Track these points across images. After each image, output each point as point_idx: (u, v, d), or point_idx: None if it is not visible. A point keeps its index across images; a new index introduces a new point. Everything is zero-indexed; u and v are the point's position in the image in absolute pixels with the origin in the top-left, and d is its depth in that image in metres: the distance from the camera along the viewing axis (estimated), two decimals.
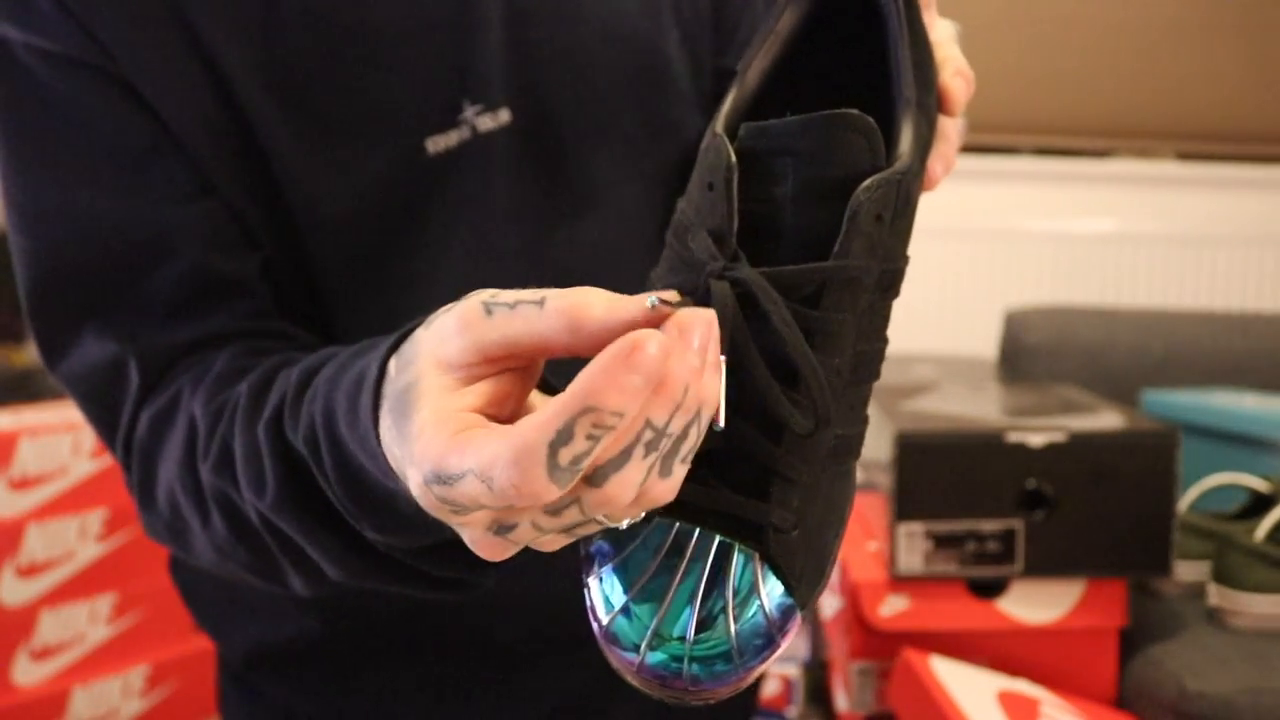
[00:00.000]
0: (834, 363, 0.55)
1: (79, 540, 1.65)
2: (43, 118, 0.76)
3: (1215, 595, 1.37)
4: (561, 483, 0.44)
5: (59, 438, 1.63)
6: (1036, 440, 1.32)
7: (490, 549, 0.49)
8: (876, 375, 0.59)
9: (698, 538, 0.54)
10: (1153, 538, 1.33)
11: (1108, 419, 1.40)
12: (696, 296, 0.53)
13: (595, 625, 0.54)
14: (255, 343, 0.78)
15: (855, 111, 0.55)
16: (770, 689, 1.82)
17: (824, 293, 0.54)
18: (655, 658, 0.52)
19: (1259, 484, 1.46)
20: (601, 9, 0.86)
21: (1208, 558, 1.40)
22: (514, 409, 0.51)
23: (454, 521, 0.49)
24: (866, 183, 0.54)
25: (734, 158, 0.55)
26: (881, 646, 1.37)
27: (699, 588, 0.53)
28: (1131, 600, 1.37)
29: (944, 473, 1.33)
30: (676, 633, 0.52)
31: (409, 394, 0.50)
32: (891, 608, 1.35)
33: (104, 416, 0.79)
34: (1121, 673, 1.37)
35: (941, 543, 1.33)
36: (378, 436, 0.54)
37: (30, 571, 1.60)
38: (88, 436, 1.65)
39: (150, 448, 0.76)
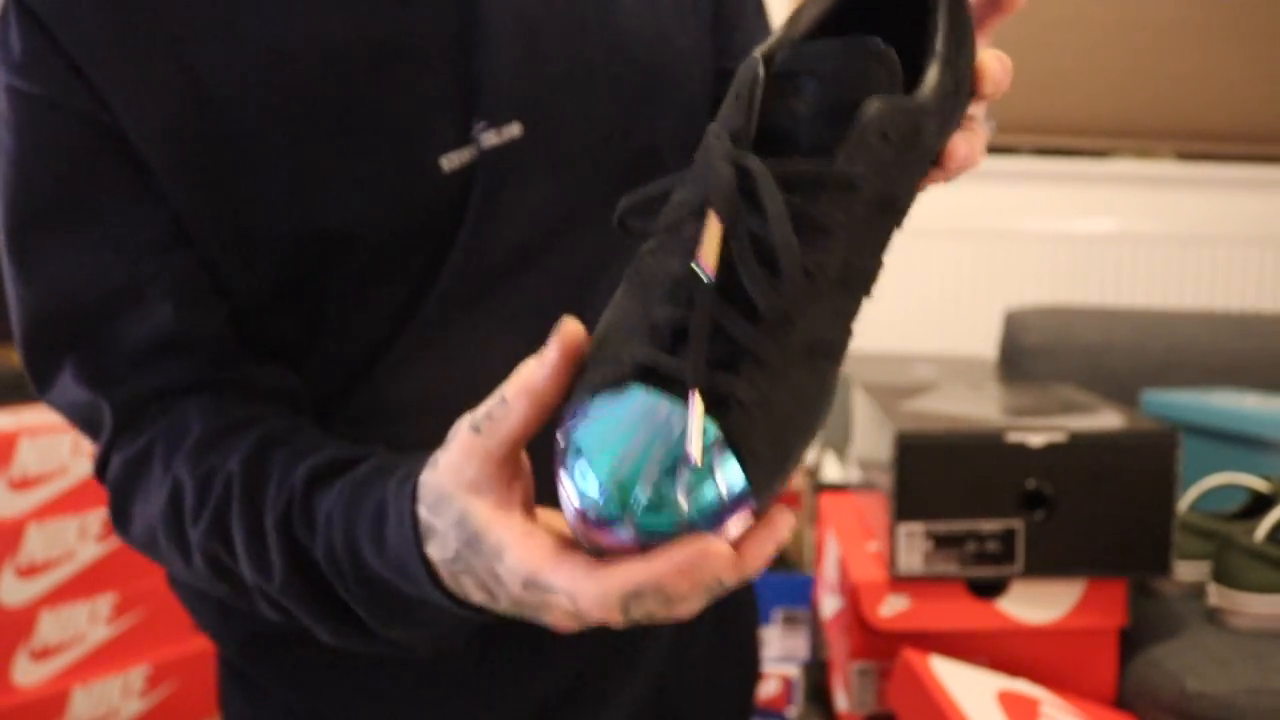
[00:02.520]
0: (820, 259, 0.57)
1: (79, 540, 1.65)
2: (26, 164, 0.77)
3: (1215, 595, 1.37)
4: (628, 619, 0.56)
5: (59, 438, 1.63)
6: (1036, 440, 1.32)
7: (564, 624, 0.60)
8: (868, 292, 0.61)
9: (668, 411, 0.55)
10: (1153, 538, 1.33)
11: (1108, 419, 1.40)
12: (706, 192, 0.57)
13: (563, 494, 0.57)
14: (223, 397, 0.80)
15: (879, 40, 0.58)
16: (770, 689, 1.82)
17: (820, 192, 0.57)
18: (616, 530, 0.55)
19: (1259, 484, 1.46)
20: (607, 21, 0.87)
21: (1208, 558, 1.40)
22: (526, 491, 0.61)
23: (530, 612, 0.60)
24: (878, 99, 0.57)
25: (762, 71, 0.58)
26: (881, 646, 1.37)
27: (659, 462, 0.55)
28: (1131, 600, 1.37)
29: (944, 473, 1.33)
30: (631, 504, 0.55)
31: (468, 522, 0.60)
32: (891, 608, 1.35)
33: (90, 439, 0.84)
34: (1121, 673, 1.37)
35: (941, 543, 1.33)
36: (423, 560, 0.63)
37: (30, 571, 1.60)
38: None
39: (125, 489, 0.80)
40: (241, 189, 0.78)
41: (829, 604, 1.59)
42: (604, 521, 0.55)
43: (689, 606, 0.57)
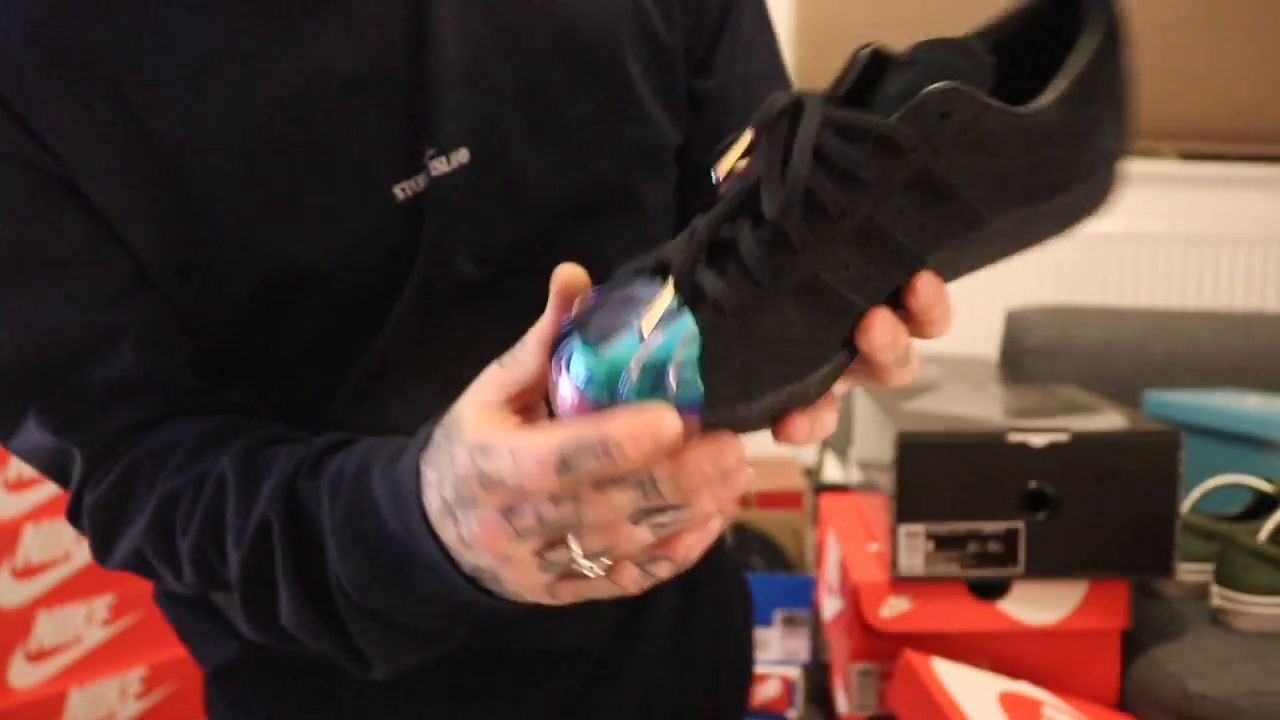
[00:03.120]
0: (842, 201, 0.57)
1: (76, 541, 1.64)
2: None
3: (1218, 596, 1.36)
4: (563, 477, 0.55)
5: None
6: (1038, 441, 1.32)
7: (494, 530, 0.59)
8: (895, 267, 0.60)
9: (648, 294, 0.57)
10: (1155, 539, 1.32)
11: (1110, 419, 1.39)
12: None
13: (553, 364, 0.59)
14: (199, 417, 0.80)
15: (976, 41, 0.61)
16: (771, 690, 1.82)
17: (861, 140, 0.57)
18: (588, 400, 0.56)
19: (1262, 485, 1.45)
20: (562, 40, 0.86)
21: (1210, 559, 1.40)
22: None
23: (475, 499, 0.58)
24: (947, 82, 0.58)
25: (867, 50, 0.60)
26: (882, 648, 1.37)
27: (624, 337, 0.56)
28: (1134, 601, 1.36)
29: (945, 473, 1.32)
30: (598, 377, 0.56)
31: (451, 416, 0.61)
32: (893, 609, 1.35)
33: (59, 483, 0.84)
34: (1124, 674, 1.36)
35: (943, 544, 1.33)
36: (418, 490, 0.64)
37: (27, 573, 1.60)
38: None
39: (107, 519, 0.79)
40: (200, 232, 0.77)
41: (830, 605, 1.58)
42: (578, 395, 0.56)
43: (623, 499, 0.56)
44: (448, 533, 0.62)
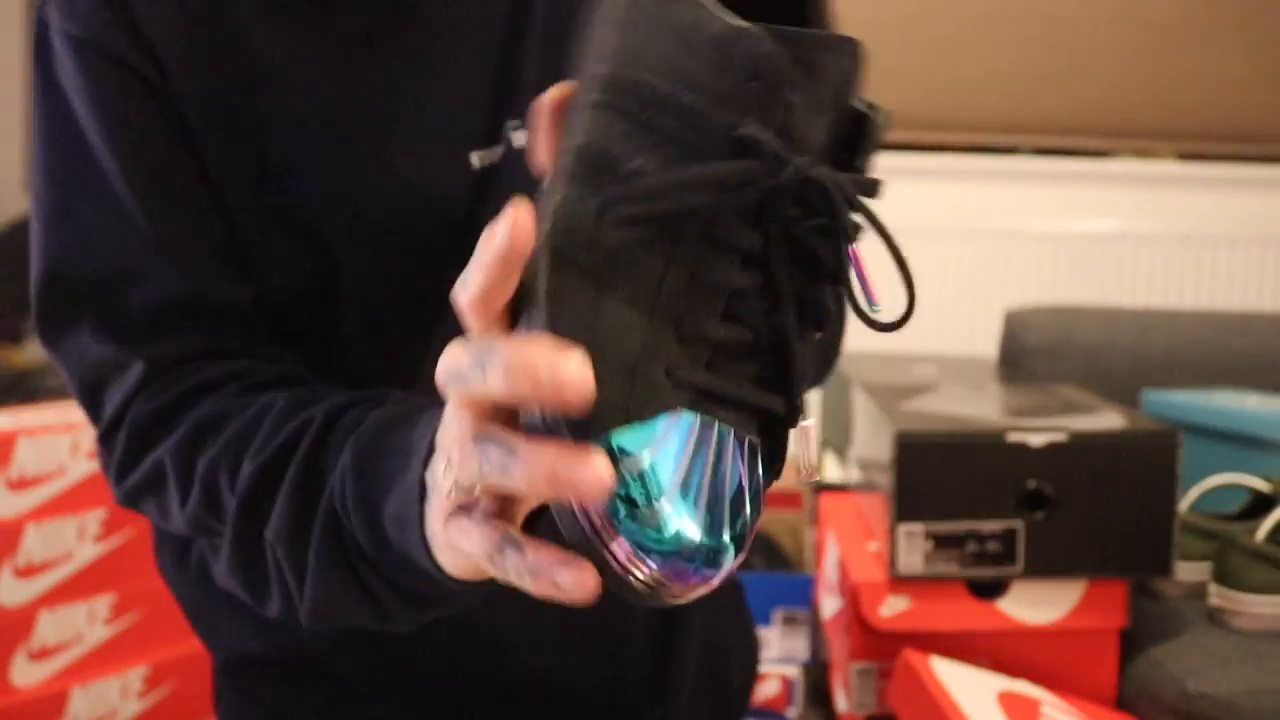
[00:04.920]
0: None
1: (77, 541, 1.64)
2: (67, 111, 0.77)
3: (1216, 596, 1.37)
4: (469, 461, 0.51)
5: (57, 438, 1.62)
6: (1037, 440, 1.32)
7: (465, 448, 0.52)
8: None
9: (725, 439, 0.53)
10: (1153, 538, 1.32)
11: (1108, 419, 1.40)
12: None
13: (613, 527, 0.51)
14: (262, 364, 0.79)
15: (854, 39, 0.56)
16: (770, 690, 1.82)
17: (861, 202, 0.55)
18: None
19: (1260, 484, 1.45)
20: None
21: (1209, 558, 1.40)
22: None
23: (451, 397, 0.52)
24: (884, 110, 0.56)
25: (774, 50, 0.52)
26: (882, 647, 1.37)
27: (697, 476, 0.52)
28: (1132, 601, 1.37)
29: (944, 473, 1.32)
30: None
31: None
32: (892, 608, 1.35)
33: (94, 396, 0.81)
34: (1122, 674, 1.37)
35: (942, 543, 1.33)
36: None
37: (28, 572, 1.60)
38: (86, 436, 1.65)
39: (149, 426, 0.77)
40: (286, 181, 0.78)
41: (829, 604, 1.58)
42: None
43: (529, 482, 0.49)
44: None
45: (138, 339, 0.78)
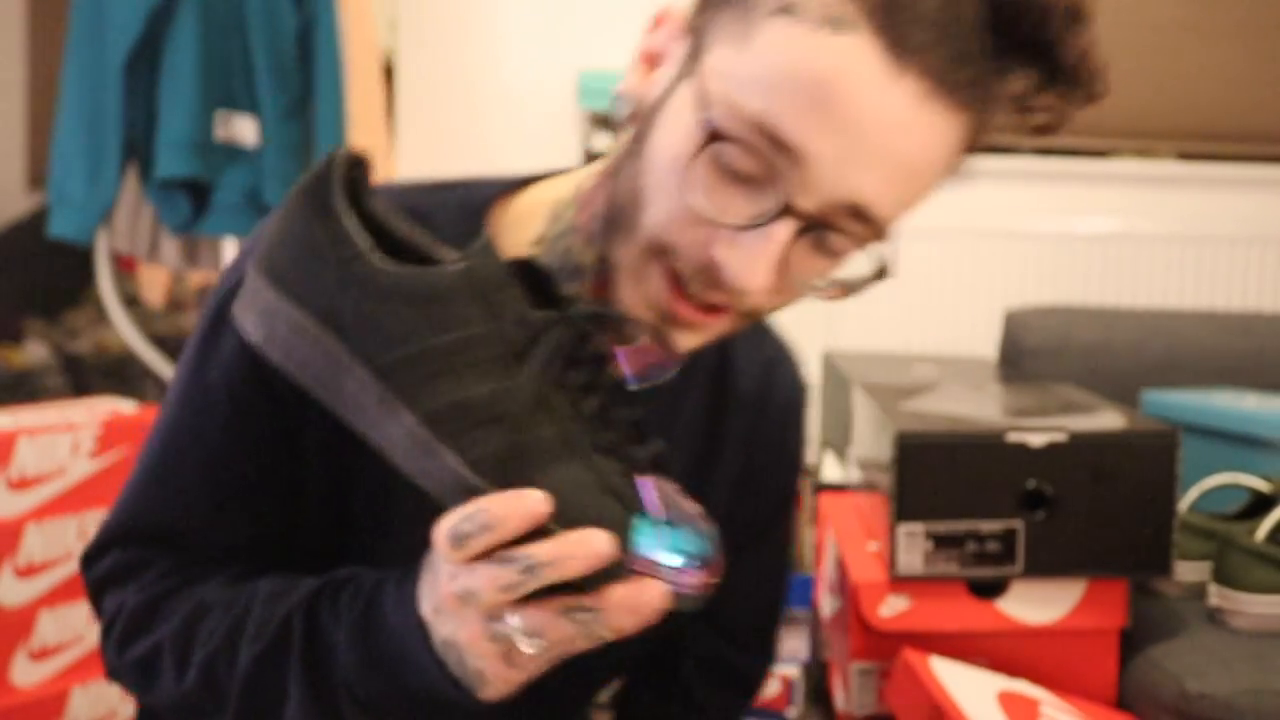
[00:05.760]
0: None
1: (78, 541, 1.64)
2: (195, 414, 0.89)
3: (1216, 596, 1.36)
4: (457, 547, 0.69)
5: (58, 438, 1.62)
6: (1037, 440, 1.32)
7: (444, 594, 0.72)
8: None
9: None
10: (1153, 538, 1.32)
11: (1108, 419, 1.39)
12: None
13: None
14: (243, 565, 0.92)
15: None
16: (770, 690, 1.82)
17: None
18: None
19: (1260, 484, 1.45)
20: None
21: (1208, 558, 1.40)
22: None
23: (452, 561, 0.71)
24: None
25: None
26: (881, 647, 1.37)
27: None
28: (1132, 601, 1.37)
29: (944, 473, 1.32)
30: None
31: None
32: (891, 608, 1.35)
33: (112, 589, 0.92)
34: (1122, 673, 1.36)
35: (941, 543, 1.33)
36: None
37: (29, 572, 1.60)
38: (87, 437, 1.65)
39: (146, 615, 0.88)
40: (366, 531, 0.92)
41: (829, 604, 1.58)
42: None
43: (505, 573, 0.68)
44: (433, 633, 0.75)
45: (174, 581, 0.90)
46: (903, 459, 1.32)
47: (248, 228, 2.35)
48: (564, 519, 0.69)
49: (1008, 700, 1.24)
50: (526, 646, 0.71)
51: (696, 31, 0.78)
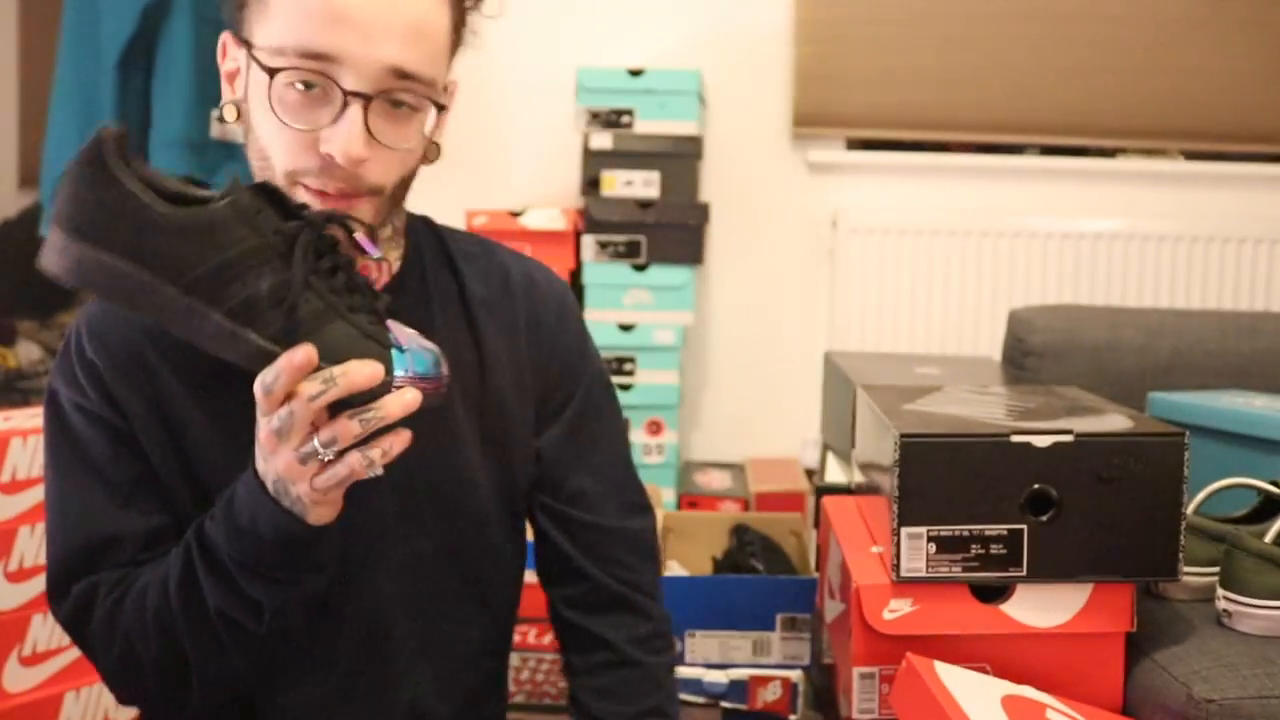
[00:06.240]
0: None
1: None
2: (69, 449, 1.13)
3: (1223, 599, 1.35)
4: (268, 392, 0.95)
5: None
6: (1042, 442, 1.31)
7: (263, 437, 0.98)
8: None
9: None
10: (1160, 541, 1.31)
11: (1115, 420, 1.38)
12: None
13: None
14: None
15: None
16: (772, 693, 1.81)
17: None
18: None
19: (1268, 486, 1.44)
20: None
21: (1216, 562, 1.39)
22: None
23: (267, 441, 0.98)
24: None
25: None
26: (885, 651, 1.36)
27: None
28: (1138, 604, 1.35)
29: (948, 475, 1.31)
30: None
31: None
32: (895, 612, 1.34)
33: (82, 618, 1.13)
34: (1128, 678, 1.35)
35: (945, 546, 1.32)
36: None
37: (20, 576, 1.59)
38: None
39: (110, 621, 1.11)
40: (196, 477, 1.15)
41: (832, 608, 1.57)
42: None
43: (310, 387, 0.94)
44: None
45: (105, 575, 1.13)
46: (905, 461, 1.31)
47: None
48: (342, 361, 0.94)
49: (1012, 705, 1.23)
50: (328, 455, 0.95)
51: (242, 38, 1.08)
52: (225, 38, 1.12)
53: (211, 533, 1.05)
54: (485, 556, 1.25)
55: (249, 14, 1.08)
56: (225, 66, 1.12)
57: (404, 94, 1.06)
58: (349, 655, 1.18)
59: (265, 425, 0.96)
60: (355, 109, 1.03)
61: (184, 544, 1.07)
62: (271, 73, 1.03)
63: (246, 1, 1.08)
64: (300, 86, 1.03)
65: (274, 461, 0.97)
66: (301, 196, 1.05)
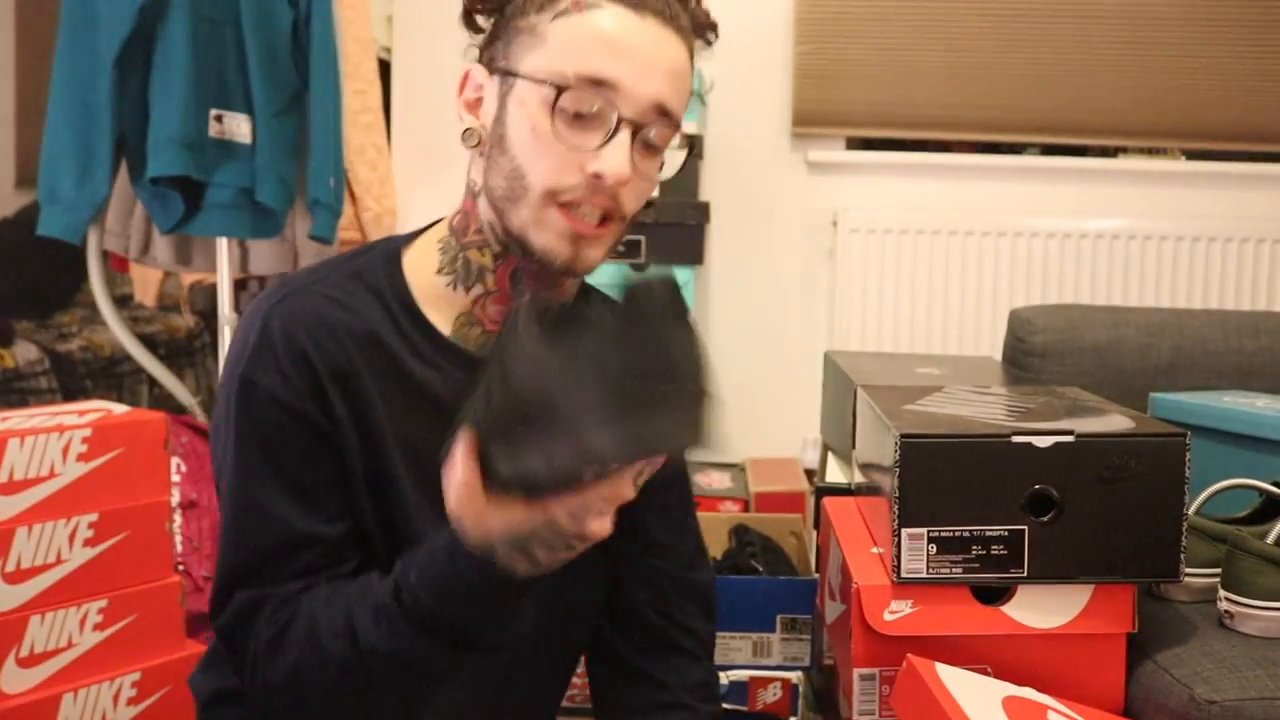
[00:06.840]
0: None
1: (68, 545, 1.63)
2: (260, 443, 1.12)
3: (1225, 600, 1.35)
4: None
5: (48, 440, 1.61)
6: (1043, 442, 1.30)
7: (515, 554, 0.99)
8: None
9: None
10: (1162, 542, 1.31)
11: (1116, 421, 1.38)
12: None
13: None
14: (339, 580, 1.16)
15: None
16: (772, 694, 1.80)
17: None
18: None
19: (1270, 487, 1.44)
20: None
21: (1217, 563, 1.38)
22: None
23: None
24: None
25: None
26: (885, 652, 1.36)
27: None
28: (1140, 606, 1.35)
29: (948, 476, 1.31)
30: None
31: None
32: (895, 613, 1.34)
33: (242, 631, 1.13)
34: (1129, 680, 1.35)
35: (946, 547, 1.32)
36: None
37: (18, 577, 1.58)
38: (77, 439, 1.64)
39: (274, 641, 1.11)
40: (388, 496, 1.16)
41: (832, 609, 1.57)
42: None
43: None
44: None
45: (279, 587, 1.13)
46: (906, 461, 1.31)
47: (241, 227, 2.33)
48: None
49: (1013, 706, 1.23)
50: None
51: (501, 68, 1.13)
52: (471, 69, 1.16)
53: (416, 587, 1.04)
54: (584, 640, 1.33)
55: (517, 46, 1.11)
56: (465, 96, 1.16)
57: (659, 130, 1.11)
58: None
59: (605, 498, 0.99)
60: (625, 134, 1.08)
61: (376, 600, 1.07)
62: (559, 90, 1.07)
63: (514, 33, 1.12)
64: (574, 111, 1.08)
65: (595, 525, 0.99)
66: (552, 216, 1.10)
